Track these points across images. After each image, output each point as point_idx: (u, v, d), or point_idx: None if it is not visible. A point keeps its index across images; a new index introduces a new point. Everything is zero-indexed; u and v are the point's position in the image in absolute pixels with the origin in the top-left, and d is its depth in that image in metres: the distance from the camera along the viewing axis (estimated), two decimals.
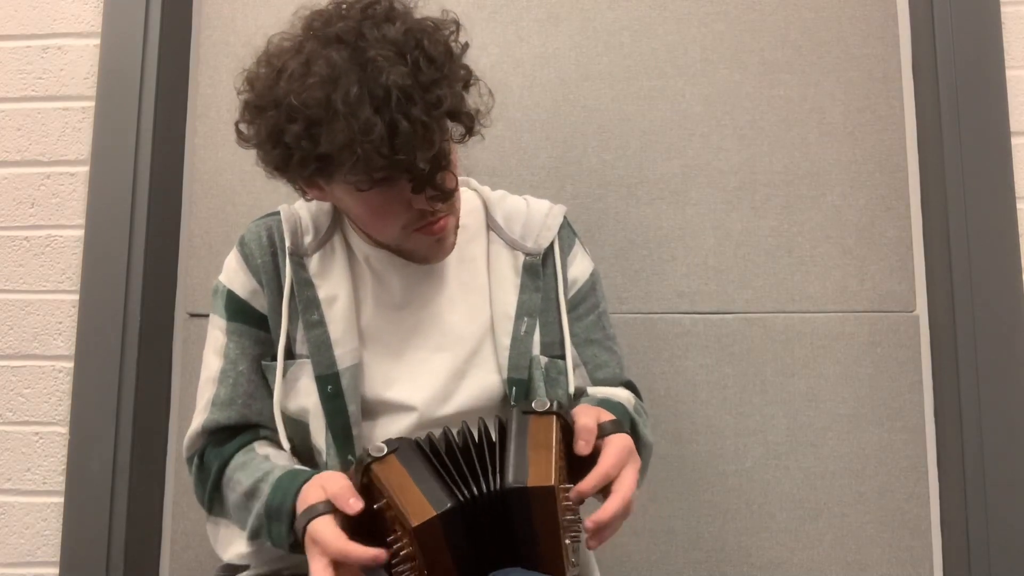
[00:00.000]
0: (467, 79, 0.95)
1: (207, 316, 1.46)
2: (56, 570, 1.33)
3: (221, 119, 1.50)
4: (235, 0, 1.53)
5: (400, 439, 0.85)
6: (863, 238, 1.42)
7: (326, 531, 0.81)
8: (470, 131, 0.93)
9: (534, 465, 0.81)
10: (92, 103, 1.43)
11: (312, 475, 0.90)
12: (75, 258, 1.40)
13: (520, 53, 1.48)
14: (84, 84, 1.44)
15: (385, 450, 0.83)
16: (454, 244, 1.05)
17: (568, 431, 0.87)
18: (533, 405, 0.86)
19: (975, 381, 1.29)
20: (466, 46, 0.95)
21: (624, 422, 0.92)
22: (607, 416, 0.91)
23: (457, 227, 1.06)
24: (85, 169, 1.42)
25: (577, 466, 0.86)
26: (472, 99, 0.94)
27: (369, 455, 0.83)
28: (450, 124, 0.91)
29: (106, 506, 1.33)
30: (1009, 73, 1.35)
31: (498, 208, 1.10)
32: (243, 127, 0.96)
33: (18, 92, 1.45)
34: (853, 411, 1.38)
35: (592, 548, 0.84)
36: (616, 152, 1.46)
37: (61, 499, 1.35)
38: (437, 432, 0.88)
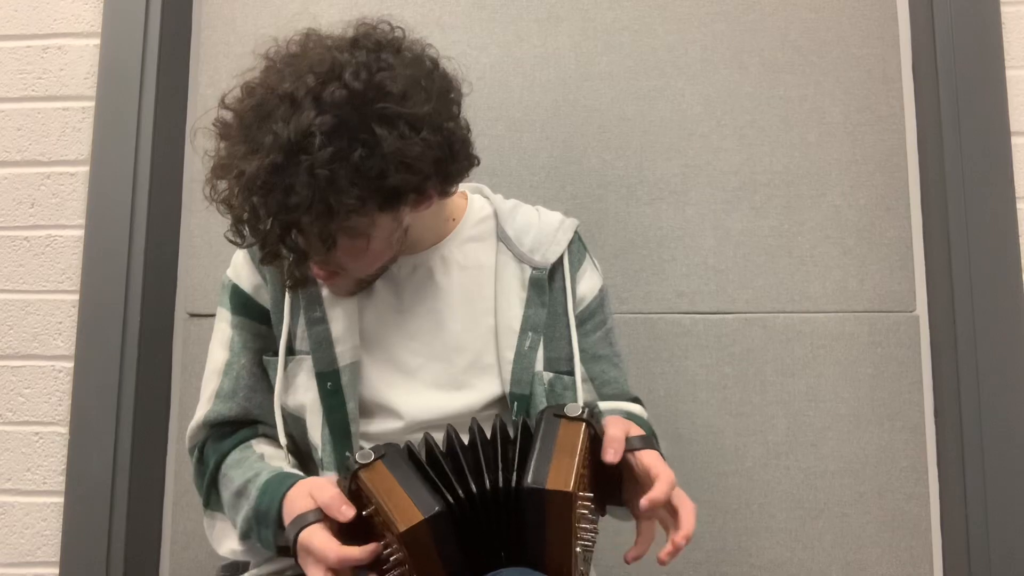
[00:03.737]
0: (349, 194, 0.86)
1: (207, 316, 1.47)
2: (56, 570, 1.33)
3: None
4: (235, 0, 1.53)
5: (387, 444, 0.84)
6: (863, 238, 1.42)
7: (320, 540, 0.82)
8: (327, 243, 0.88)
9: (555, 469, 0.80)
10: (92, 103, 1.43)
11: (297, 480, 0.90)
12: (75, 258, 1.40)
13: (520, 53, 1.48)
14: (84, 84, 1.44)
15: (372, 456, 0.82)
16: (352, 293, 1.02)
17: (596, 440, 0.87)
18: (565, 410, 0.86)
19: (975, 381, 1.29)
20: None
21: (652, 439, 0.93)
22: (637, 431, 0.90)
23: (368, 282, 1.02)
24: (85, 169, 1.42)
25: (602, 476, 0.86)
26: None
27: (356, 462, 0.82)
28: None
29: (106, 506, 1.33)
30: (1009, 73, 1.35)
31: (509, 220, 1.09)
32: None
33: (18, 92, 1.45)
34: (853, 411, 1.38)
35: (663, 563, 0.83)
36: (616, 152, 1.46)
37: (61, 499, 1.35)
38: (435, 434, 0.88)
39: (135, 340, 1.36)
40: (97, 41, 1.45)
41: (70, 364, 1.38)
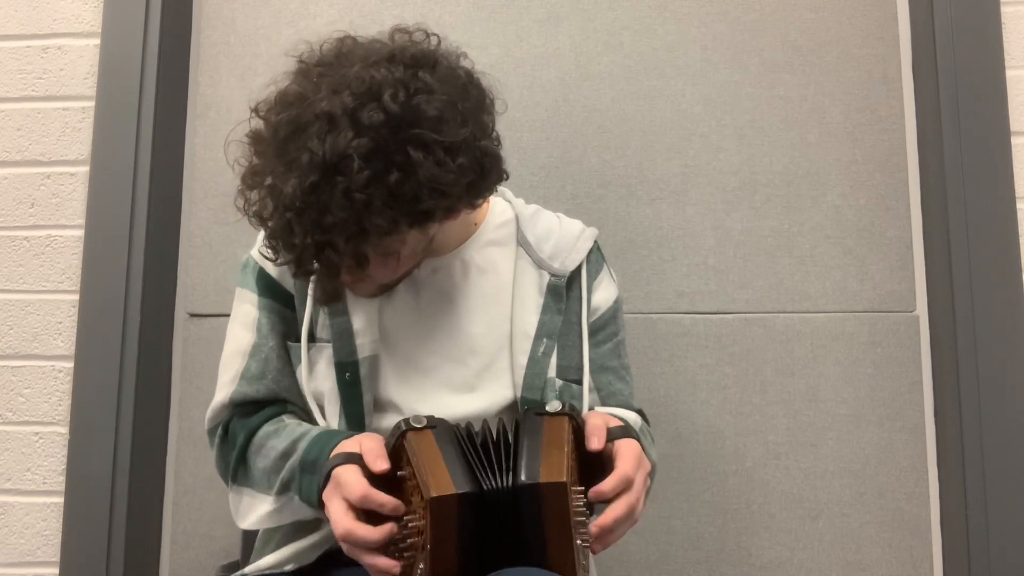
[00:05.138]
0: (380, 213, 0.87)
1: (207, 316, 1.47)
2: (56, 570, 1.33)
3: (221, 119, 1.50)
4: (235, 0, 1.53)
5: (440, 419, 0.87)
6: (863, 238, 1.42)
7: (351, 476, 0.84)
8: (359, 263, 0.90)
9: (546, 463, 0.82)
10: (92, 103, 1.43)
11: (352, 434, 0.92)
12: (75, 258, 1.40)
13: (520, 53, 1.48)
14: (84, 84, 1.44)
15: (424, 423, 0.85)
16: (375, 295, 1.03)
17: (579, 433, 0.88)
18: (546, 407, 0.88)
19: (975, 381, 1.29)
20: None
21: (631, 428, 0.93)
22: (615, 422, 0.92)
23: (391, 286, 1.04)
24: (85, 169, 1.42)
25: (587, 467, 0.87)
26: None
27: (408, 423, 0.85)
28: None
29: (106, 506, 1.33)
30: (1009, 73, 1.35)
31: (530, 225, 1.09)
32: None
33: (18, 92, 1.45)
34: (853, 411, 1.38)
35: (594, 552, 0.84)
36: (616, 152, 1.46)
37: (61, 499, 1.35)
38: (464, 424, 0.90)
39: (135, 340, 1.36)
40: (97, 41, 1.45)
41: (70, 364, 1.38)
